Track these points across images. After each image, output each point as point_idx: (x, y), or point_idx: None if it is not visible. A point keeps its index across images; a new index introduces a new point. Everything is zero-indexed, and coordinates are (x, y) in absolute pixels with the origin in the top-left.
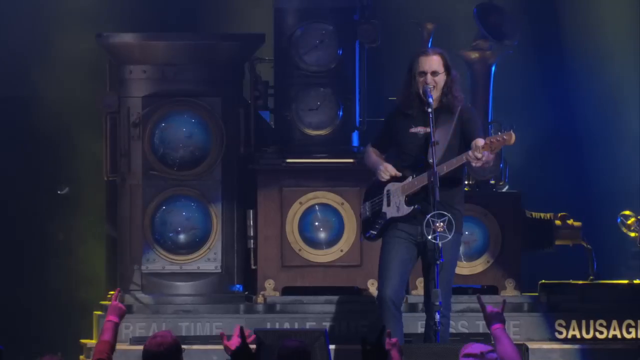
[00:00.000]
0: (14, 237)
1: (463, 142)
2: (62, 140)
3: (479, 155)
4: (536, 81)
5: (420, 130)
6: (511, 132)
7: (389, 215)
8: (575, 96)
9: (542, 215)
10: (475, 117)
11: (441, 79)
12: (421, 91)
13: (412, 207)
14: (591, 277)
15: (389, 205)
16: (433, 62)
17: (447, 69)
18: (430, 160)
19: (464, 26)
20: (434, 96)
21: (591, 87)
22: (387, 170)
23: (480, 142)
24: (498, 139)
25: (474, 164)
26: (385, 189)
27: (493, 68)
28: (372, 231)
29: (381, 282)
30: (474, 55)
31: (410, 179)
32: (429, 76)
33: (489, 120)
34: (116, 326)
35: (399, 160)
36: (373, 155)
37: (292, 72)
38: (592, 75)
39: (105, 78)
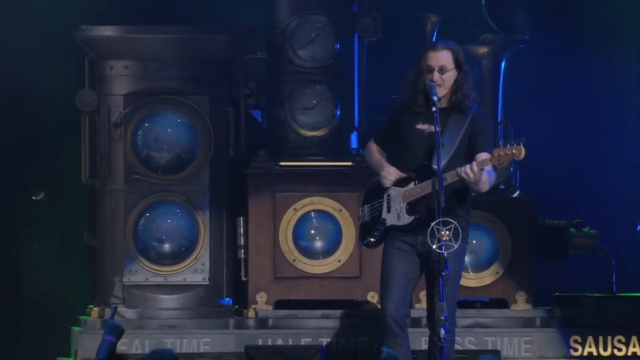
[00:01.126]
0: None
1: (469, 151)
2: (37, 142)
3: (470, 174)
4: (549, 78)
5: (427, 128)
6: (521, 146)
7: (388, 223)
8: (591, 95)
9: (556, 222)
10: (486, 126)
11: (450, 76)
12: (427, 88)
13: (414, 216)
14: (612, 290)
15: (389, 211)
16: (441, 58)
17: (458, 65)
18: (435, 166)
19: (471, 18)
20: (442, 94)
21: (609, 85)
22: (391, 175)
23: (482, 155)
24: (507, 152)
25: (466, 179)
26: (386, 193)
27: (503, 64)
28: (370, 238)
29: (382, 299)
30: (482, 50)
31: (412, 185)
32: (435, 73)
33: (498, 121)
34: (113, 346)
35: (403, 161)
36: (376, 153)
37: (285, 68)
38: (611, 72)
39: (84, 74)
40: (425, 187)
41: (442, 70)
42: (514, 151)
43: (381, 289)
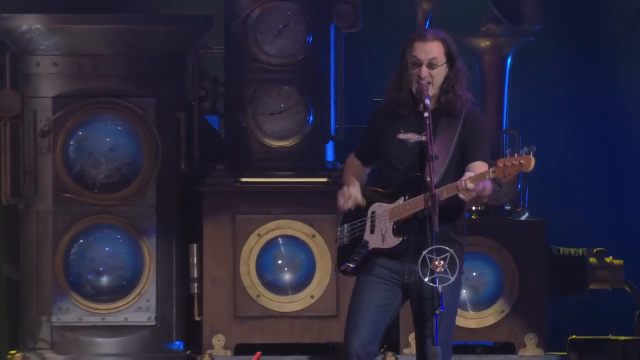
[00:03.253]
0: None
1: (462, 160)
2: None
3: (470, 186)
4: (565, 78)
5: (410, 137)
6: (530, 155)
7: (371, 246)
8: (613, 98)
9: (573, 251)
10: (480, 128)
11: (440, 71)
12: (414, 89)
13: (401, 238)
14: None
15: (372, 232)
16: (431, 50)
17: (450, 59)
18: (428, 179)
19: (471, 5)
20: (431, 94)
21: (637, 86)
22: (348, 198)
23: (479, 167)
24: (513, 162)
25: (462, 196)
26: (370, 210)
27: (509, 60)
28: (349, 263)
29: (346, 331)
30: (484, 43)
31: (401, 200)
32: (423, 68)
33: (503, 129)
34: None
35: (384, 175)
36: (349, 171)
37: (248, 65)
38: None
39: (4, 72)
40: (417, 203)
41: (431, 64)
42: (521, 161)
43: (347, 321)
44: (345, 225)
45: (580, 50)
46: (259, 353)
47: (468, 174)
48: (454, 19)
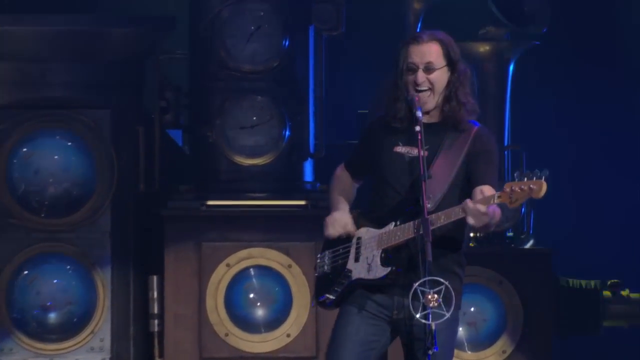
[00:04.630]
0: None
1: (467, 183)
2: None
3: (483, 209)
4: (573, 87)
5: (409, 151)
6: (542, 180)
7: (355, 276)
8: (628, 109)
9: (584, 283)
10: (490, 150)
11: (440, 76)
12: (408, 98)
13: (390, 268)
14: None
15: (357, 260)
16: (427, 52)
17: (451, 61)
18: (422, 203)
19: (468, 5)
20: (431, 105)
21: None
22: (337, 224)
23: (487, 190)
24: (522, 187)
25: (472, 222)
26: (355, 235)
27: (511, 67)
28: (329, 295)
29: None
30: (484, 48)
31: (391, 226)
32: (420, 73)
33: (505, 145)
34: None
35: (377, 194)
36: (338, 186)
37: (215, 72)
38: None
39: None
40: (409, 229)
41: (428, 68)
42: (532, 186)
43: (327, 356)
44: (327, 252)
45: (591, 57)
46: None
47: (473, 200)
48: (449, 21)
